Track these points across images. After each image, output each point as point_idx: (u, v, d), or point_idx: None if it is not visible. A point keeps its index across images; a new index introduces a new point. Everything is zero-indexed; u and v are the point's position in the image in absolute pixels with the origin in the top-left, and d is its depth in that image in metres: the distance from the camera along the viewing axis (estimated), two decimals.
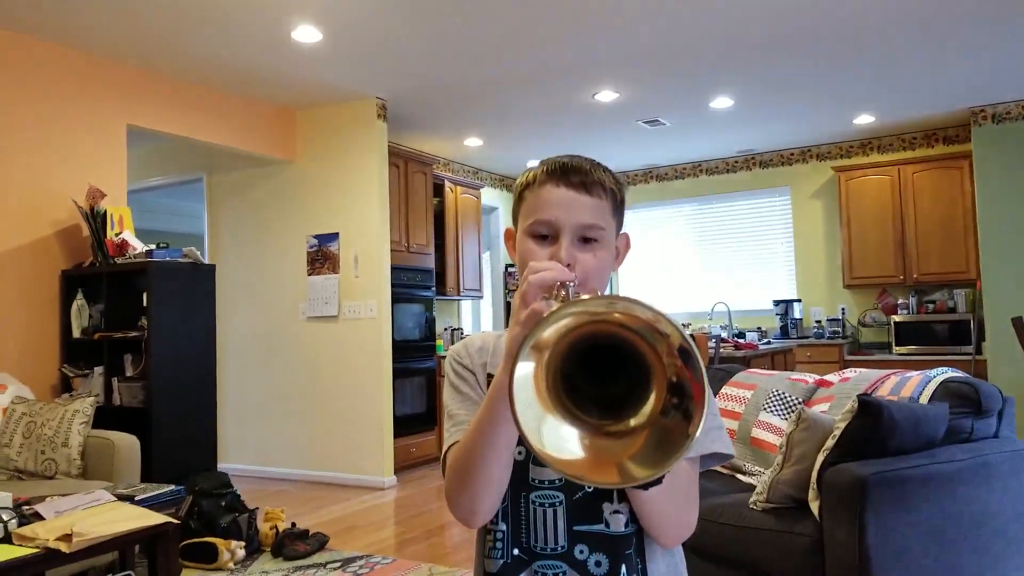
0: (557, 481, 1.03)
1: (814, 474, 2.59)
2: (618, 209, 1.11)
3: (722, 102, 6.13)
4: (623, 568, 1.01)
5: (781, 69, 5.39)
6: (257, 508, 4.17)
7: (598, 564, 1.02)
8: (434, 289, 6.75)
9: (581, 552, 1.02)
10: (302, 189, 6.13)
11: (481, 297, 8.05)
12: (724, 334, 6.53)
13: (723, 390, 3.66)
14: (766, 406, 3.40)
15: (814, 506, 2.56)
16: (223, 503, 4.00)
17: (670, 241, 8.57)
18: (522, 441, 0.74)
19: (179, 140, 5.47)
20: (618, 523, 1.02)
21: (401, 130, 6.58)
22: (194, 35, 4.50)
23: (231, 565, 3.72)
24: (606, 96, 5.86)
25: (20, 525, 2.46)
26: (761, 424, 3.37)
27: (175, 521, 2.70)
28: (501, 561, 1.04)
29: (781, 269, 7.99)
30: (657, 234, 8.63)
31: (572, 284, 0.88)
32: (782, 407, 3.35)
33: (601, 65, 5.20)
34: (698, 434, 0.72)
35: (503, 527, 1.05)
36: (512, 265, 8.55)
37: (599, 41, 4.75)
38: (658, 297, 8.44)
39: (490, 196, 8.49)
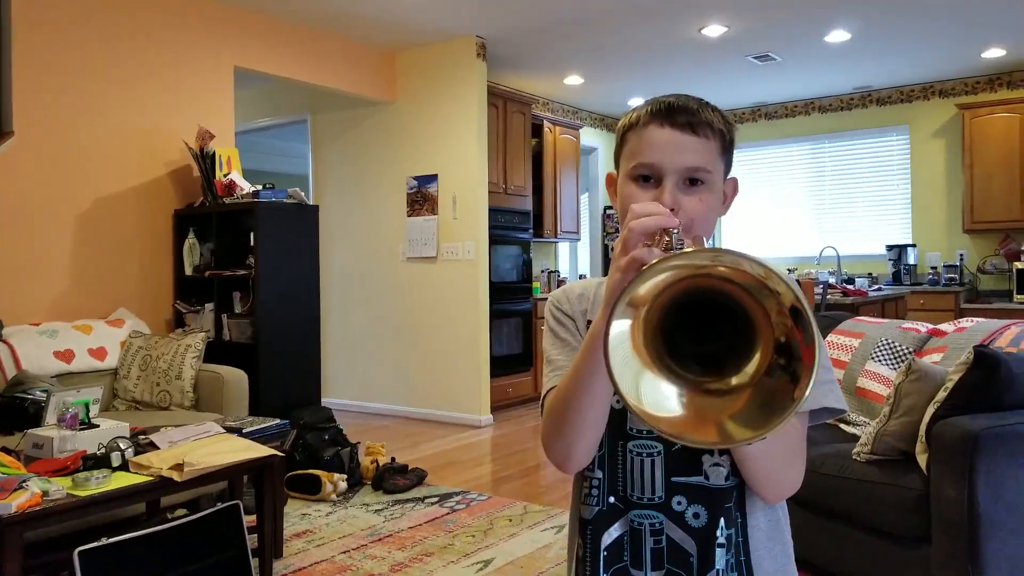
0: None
1: (923, 427, 2.46)
2: (726, 151, 1.05)
3: (838, 35, 5.74)
4: (722, 521, 0.98)
5: None
6: (359, 442, 4.33)
7: (696, 516, 0.99)
8: (531, 231, 6.72)
9: (679, 503, 0.99)
10: (402, 130, 6.17)
11: (579, 239, 7.97)
12: (832, 280, 6.25)
13: (829, 338, 3.52)
14: (874, 355, 3.24)
15: (921, 460, 2.44)
16: (326, 437, 4.17)
17: (779, 182, 8.21)
18: (620, 399, 0.72)
19: (284, 81, 5.57)
20: (718, 476, 0.98)
21: (500, 69, 6.49)
22: None
23: (334, 497, 3.89)
24: (714, 30, 5.58)
25: (136, 454, 2.63)
26: (868, 374, 3.22)
27: (280, 454, 2.82)
28: (596, 508, 1.03)
29: (896, 212, 7.53)
30: (765, 175, 8.28)
31: (677, 231, 0.84)
32: (891, 357, 3.18)
33: None
34: (806, 396, 0.68)
35: (599, 474, 1.03)
36: (611, 207, 8.47)
37: None
38: (764, 240, 8.16)
39: (589, 136, 8.32)
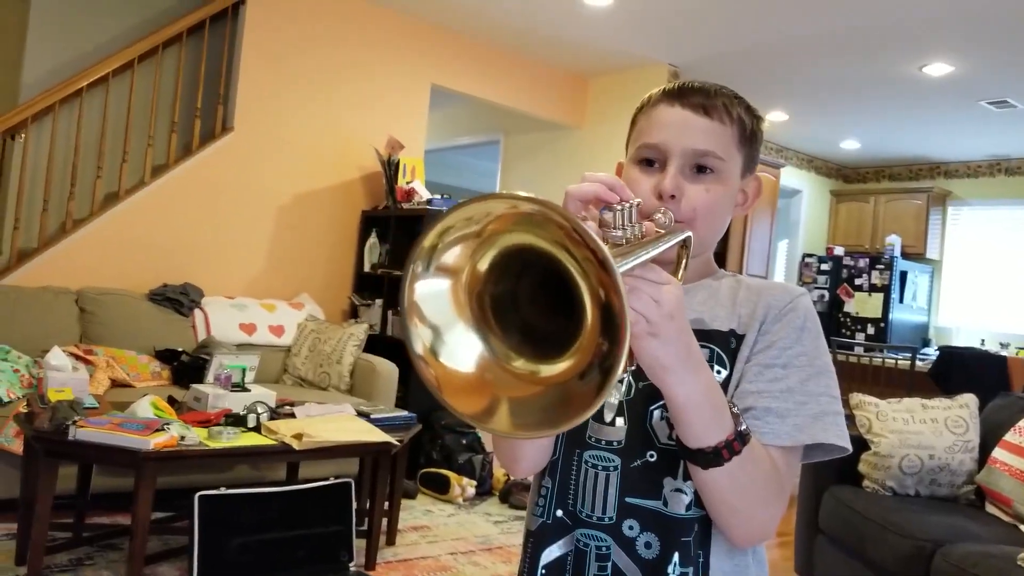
0: (616, 443, 0.90)
1: None
2: (747, 142, 0.94)
3: None
4: (676, 556, 0.86)
5: None
6: (493, 452, 4.37)
7: (648, 546, 0.87)
8: None
9: (631, 528, 0.88)
10: (588, 156, 6.20)
11: None
12: None
13: (1021, 423, 3.03)
14: None
15: None
16: (464, 441, 4.25)
17: (1017, 247, 7.24)
18: (405, 334, 0.65)
19: (478, 101, 5.81)
20: (678, 503, 0.86)
21: None
22: None
23: (460, 500, 3.95)
24: (936, 69, 5.08)
25: (271, 419, 2.83)
26: None
27: (395, 443, 2.91)
28: (540, 520, 0.94)
29: None
30: (1001, 236, 7.33)
31: (630, 206, 0.72)
32: None
33: (930, 30, 4.49)
34: (598, 403, 0.58)
35: (548, 483, 0.94)
36: (810, 255, 7.92)
37: None
38: (991, 312, 7.22)
39: (793, 177, 7.86)
